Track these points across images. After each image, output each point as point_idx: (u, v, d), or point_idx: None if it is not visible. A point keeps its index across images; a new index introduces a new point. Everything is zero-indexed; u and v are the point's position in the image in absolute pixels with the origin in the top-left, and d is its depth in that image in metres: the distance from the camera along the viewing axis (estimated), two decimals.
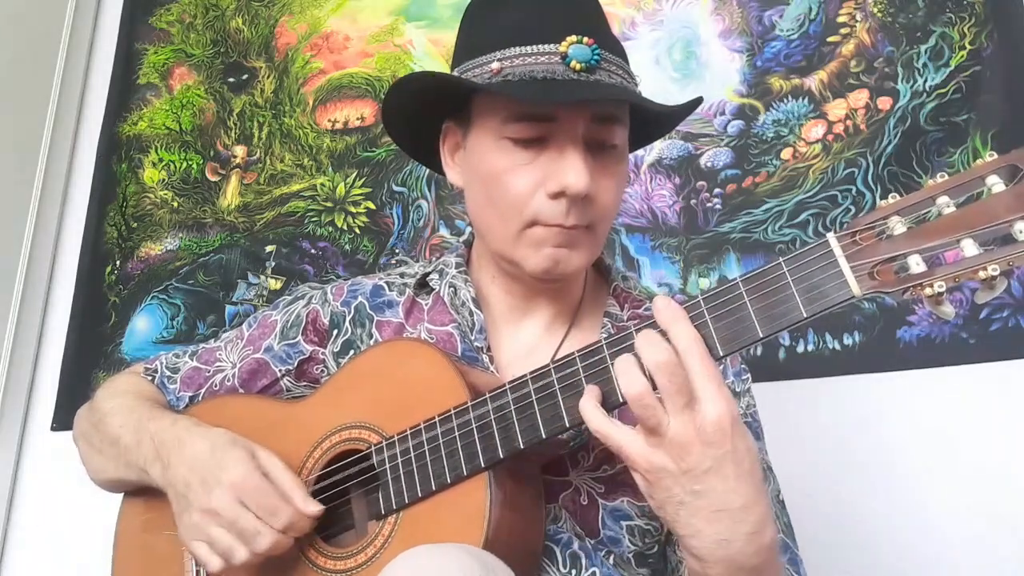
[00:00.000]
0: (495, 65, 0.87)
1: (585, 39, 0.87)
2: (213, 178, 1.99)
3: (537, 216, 0.87)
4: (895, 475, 1.39)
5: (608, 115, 0.89)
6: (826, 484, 1.40)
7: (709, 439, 0.67)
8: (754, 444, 0.70)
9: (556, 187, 0.86)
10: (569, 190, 0.85)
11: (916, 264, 0.65)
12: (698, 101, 0.96)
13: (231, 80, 2.05)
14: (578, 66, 0.86)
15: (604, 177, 0.89)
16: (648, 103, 0.91)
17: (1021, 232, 0.62)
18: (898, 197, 0.69)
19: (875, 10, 1.60)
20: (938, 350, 1.42)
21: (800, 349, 1.48)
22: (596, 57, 0.87)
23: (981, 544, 1.32)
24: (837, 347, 1.47)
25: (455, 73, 0.93)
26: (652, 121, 0.98)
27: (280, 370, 1.04)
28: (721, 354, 0.71)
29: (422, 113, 0.97)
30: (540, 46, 0.87)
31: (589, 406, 0.73)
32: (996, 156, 0.66)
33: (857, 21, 1.61)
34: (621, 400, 0.73)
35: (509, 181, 0.88)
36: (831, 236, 0.69)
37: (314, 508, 0.85)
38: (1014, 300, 1.40)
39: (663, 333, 0.71)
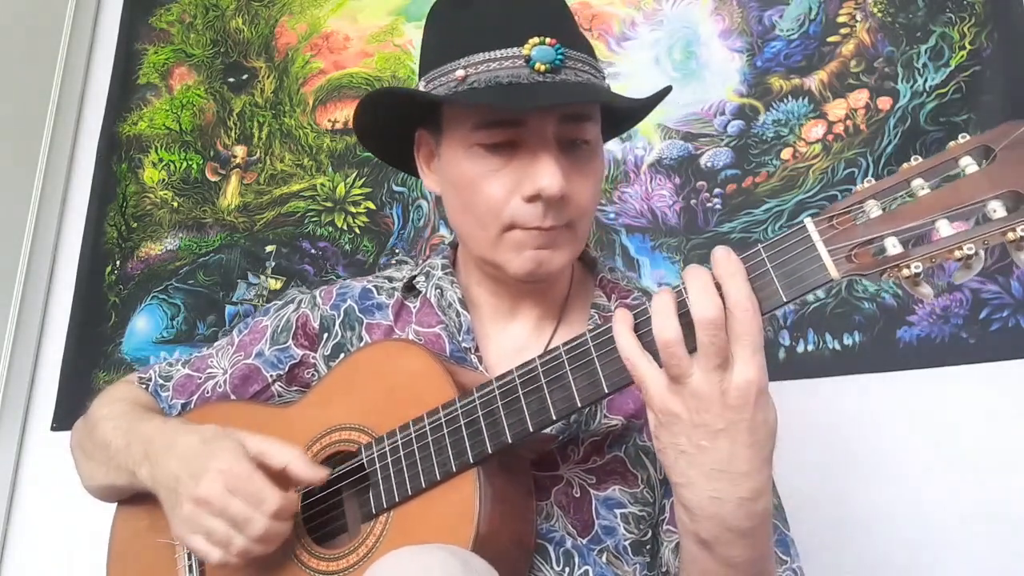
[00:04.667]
0: (459, 73, 0.87)
1: (547, 40, 0.86)
2: (213, 178, 1.99)
3: (514, 220, 0.88)
4: (894, 475, 1.39)
5: (577, 114, 0.89)
6: (825, 483, 1.39)
7: (730, 402, 0.67)
8: (774, 421, 0.69)
9: (531, 190, 0.86)
10: (544, 192, 0.85)
11: (893, 246, 0.66)
12: (666, 91, 0.95)
13: (231, 80, 2.05)
14: (542, 67, 0.86)
15: (579, 175, 0.89)
16: (614, 98, 0.91)
17: (995, 211, 0.63)
18: (874, 181, 0.69)
19: (875, 10, 1.60)
20: (938, 350, 1.41)
21: (800, 349, 1.48)
22: (560, 57, 0.87)
23: (981, 543, 1.32)
24: (837, 347, 1.47)
25: (422, 82, 0.93)
26: (626, 111, 0.98)
27: (271, 375, 1.04)
28: None
29: (395, 124, 0.97)
30: (504, 50, 0.87)
31: (623, 330, 0.71)
32: (968, 137, 0.66)
33: (857, 21, 1.61)
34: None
35: (483, 187, 0.88)
36: (808, 221, 0.69)
37: (322, 472, 0.86)
38: (1014, 300, 1.40)
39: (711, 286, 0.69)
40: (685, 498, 0.71)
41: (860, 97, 1.57)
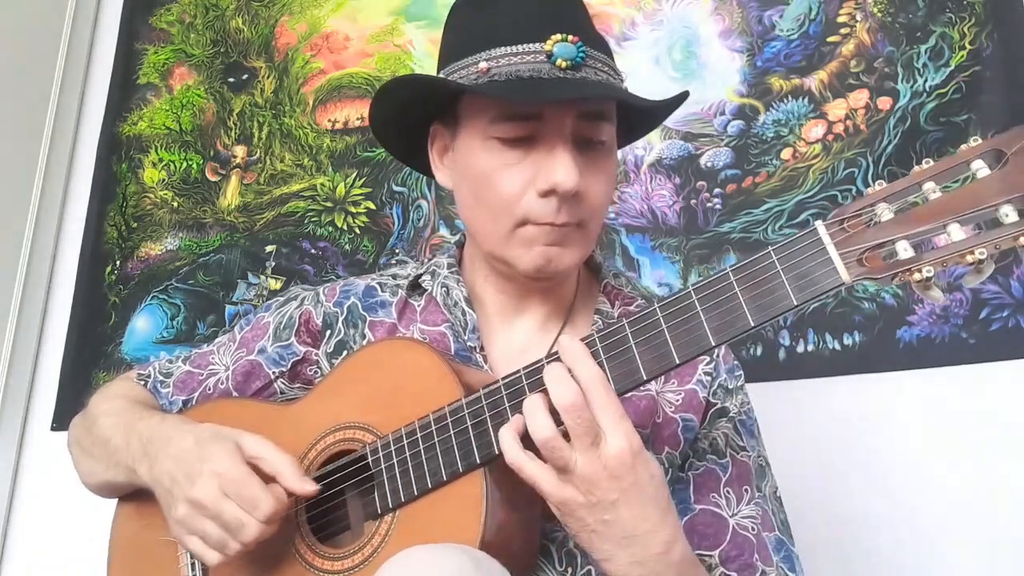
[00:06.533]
0: (482, 65, 0.88)
1: (570, 37, 0.87)
2: (213, 178, 1.99)
3: (528, 215, 0.88)
4: (894, 475, 1.39)
5: (595, 112, 0.89)
6: (825, 483, 1.40)
7: (614, 473, 0.71)
8: (658, 471, 0.74)
9: (546, 185, 0.86)
10: (559, 188, 0.85)
11: (904, 250, 0.66)
12: (684, 95, 0.96)
13: (231, 80, 2.05)
14: (563, 64, 0.86)
15: (593, 174, 0.89)
16: (633, 99, 0.91)
17: (1007, 215, 0.63)
18: (885, 184, 0.69)
19: (875, 10, 1.60)
20: (938, 350, 1.41)
21: (800, 349, 1.48)
22: (581, 55, 0.87)
23: (980, 544, 1.32)
24: (837, 347, 1.47)
25: (441, 75, 0.94)
26: (641, 117, 0.99)
27: (274, 372, 1.04)
28: (713, 344, 0.72)
29: (410, 117, 0.97)
30: (526, 45, 0.87)
31: (508, 437, 0.75)
32: (980, 140, 0.66)
33: (857, 21, 1.61)
34: None
35: (498, 181, 0.88)
36: (819, 224, 0.69)
37: (310, 487, 0.85)
38: (1014, 300, 1.40)
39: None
40: (610, 571, 0.74)
41: (860, 97, 1.57)
